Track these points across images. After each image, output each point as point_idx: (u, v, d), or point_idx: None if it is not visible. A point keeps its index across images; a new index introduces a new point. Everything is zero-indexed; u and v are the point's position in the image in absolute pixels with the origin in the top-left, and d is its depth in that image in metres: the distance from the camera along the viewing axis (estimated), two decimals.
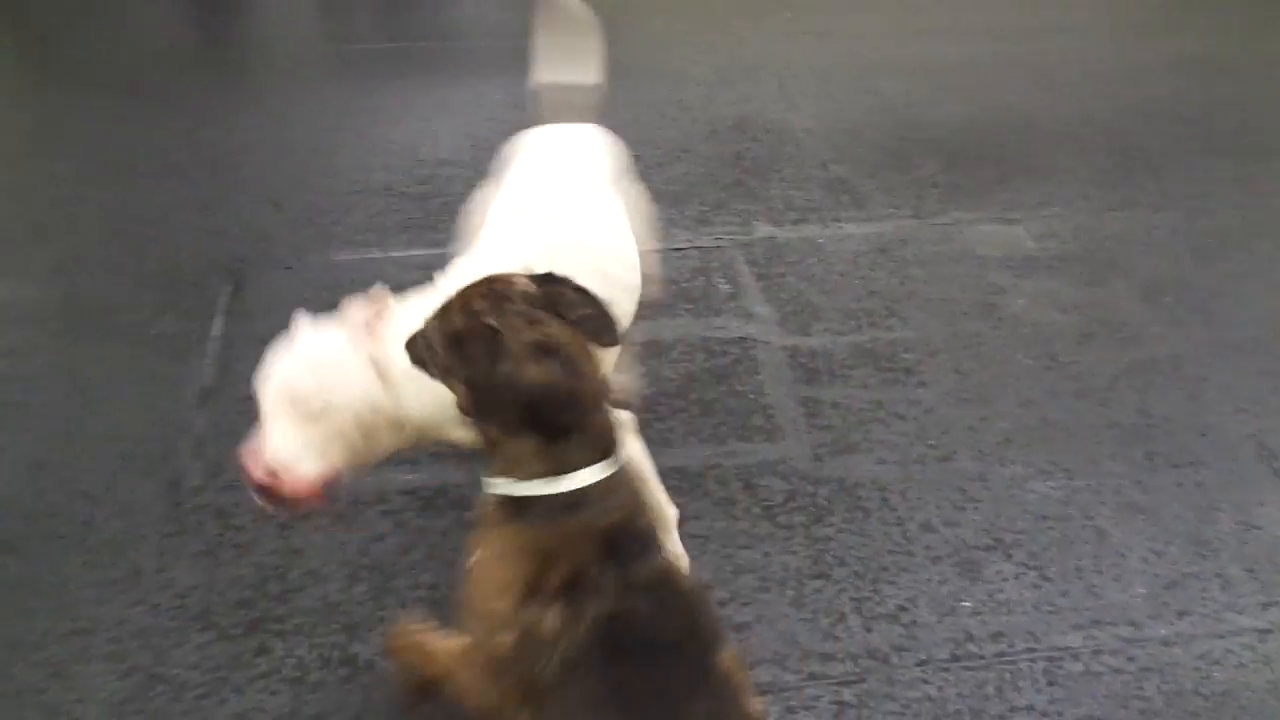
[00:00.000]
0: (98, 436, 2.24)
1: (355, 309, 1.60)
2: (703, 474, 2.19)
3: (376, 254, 2.84)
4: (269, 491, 1.55)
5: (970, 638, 1.86)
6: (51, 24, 4.32)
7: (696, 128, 3.67)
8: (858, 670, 1.79)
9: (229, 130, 3.41)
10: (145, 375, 2.42)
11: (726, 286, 2.81)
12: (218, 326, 2.56)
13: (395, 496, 2.10)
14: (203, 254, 2.84)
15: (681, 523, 1.94)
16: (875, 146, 3.56)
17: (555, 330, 1.23)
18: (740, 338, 2.61)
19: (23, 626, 1.83)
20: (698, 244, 2.99)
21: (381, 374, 1.55)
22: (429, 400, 1.50)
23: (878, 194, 3.27)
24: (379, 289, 1.63)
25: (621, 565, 1.21)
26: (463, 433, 1.48)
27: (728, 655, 1.27)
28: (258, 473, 1.54)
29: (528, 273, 1.31)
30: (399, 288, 2.47)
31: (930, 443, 2.30)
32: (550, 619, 1.19)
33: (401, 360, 1.39)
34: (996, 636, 1.86)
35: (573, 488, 1.22)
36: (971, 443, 2.30)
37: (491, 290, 1.26)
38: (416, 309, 1.50)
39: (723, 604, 1.89)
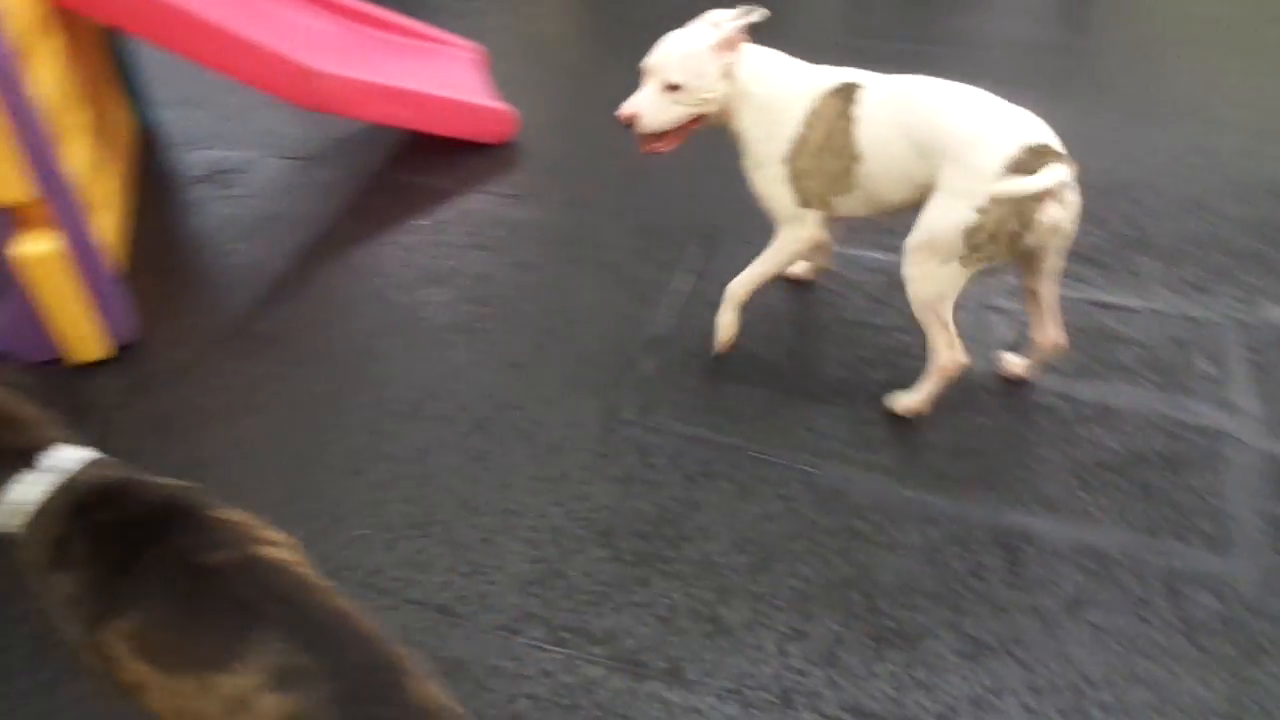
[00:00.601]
0: (564, 352, 2.58)
1: (725, 20, 2.15)
2: (1120, 562, 1.99)
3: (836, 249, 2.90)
4: (628, 126, 2.21)
5: None
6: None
7: (1219, 182, 3.25)
8: None
9: None
10: (613, 309, 2.72)
11: (1209, 367, 2.48)
12: (684, 282, 2.80)
13: (794, 484, 2.17)
14: (687, 216, 3.11)
15: (1079, 606, 1.78)
16: None
17: None
18: (1211, 428, 2.30)
19: (473, 492, 2.19)
20: (1186, 312, 2.66)
21: (727, 75, 2.17)
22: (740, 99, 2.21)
23: None
24: (746, 7, 2.16)
25: None
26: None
27: None
28: (623, 112, 2.21)
29: None
30: (852, 284, 2.50)
31: None
32: None
33: (749, 70, 2.18)
34: None
35: None
36: None
37: None
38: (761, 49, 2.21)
39: (1105, 708, 1.72)
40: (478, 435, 2.33)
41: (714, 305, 2.65)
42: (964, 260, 2.05)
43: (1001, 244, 2.01)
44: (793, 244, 2.33)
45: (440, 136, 3.43)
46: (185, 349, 2.62)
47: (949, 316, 2.17)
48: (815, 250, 2.62)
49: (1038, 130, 2.00)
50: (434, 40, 3.64)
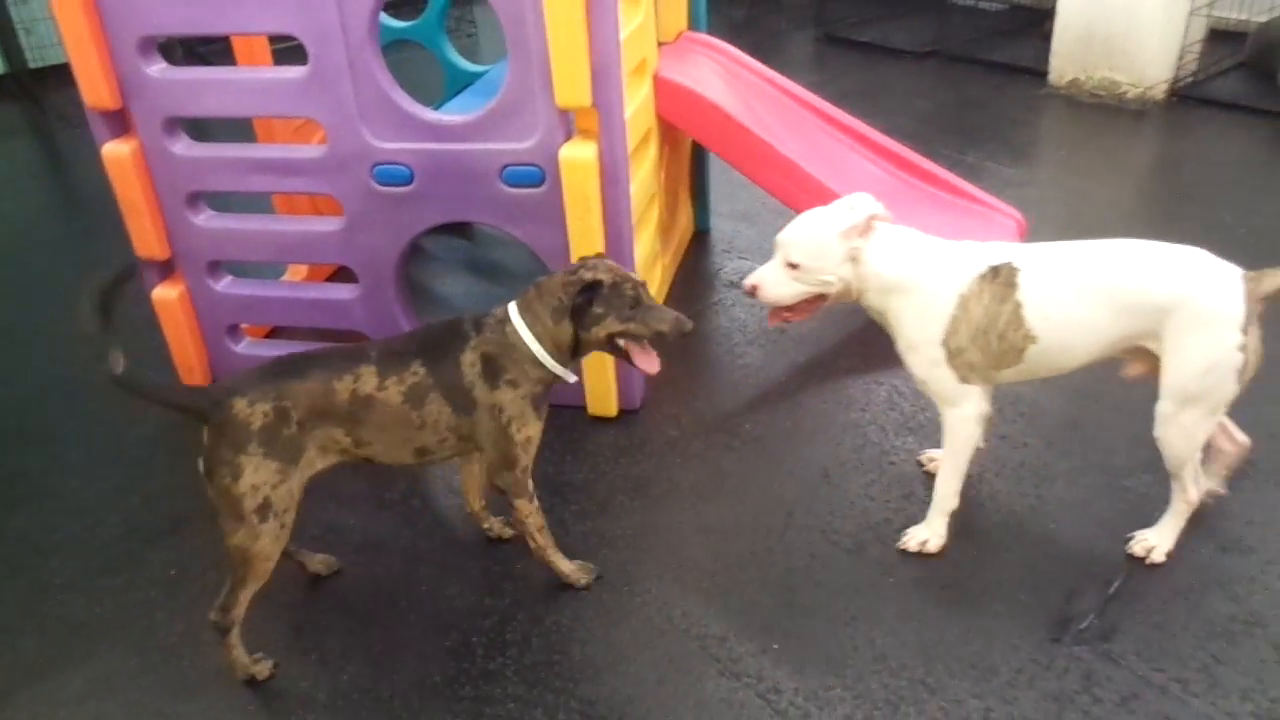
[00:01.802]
0: (1035, 540, 2.41)
1: (861, 206, 2.19)
2: None
3: None
4: (750, 296, 2.27)
5: None
6: None
7: None
8: None
9: None
10: (1096, 511, 2.49)
11: None
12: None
13: None
14: None
15: None
16: None
17: None
18: None
19: (894, 649, 2.13)
20: None
21: (853, 258, 2.17)
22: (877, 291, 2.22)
23: None
24: (872, 202, 2.20)
25: None
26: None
27: None
28: (746, 283, 2.28)
29: None
30: None
31: None
32: None
33: (876, 258, 2.18)
34: None
35: None
36: None
37: None
38: (902, 232, 2.22)
39: None
40: (913, 592, 2.26)
41: (1222, 544, 2.32)
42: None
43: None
44: (963, 424, 2.27)
45: None
46: (676, 428, 2.90)
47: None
48: (986, 423, 2.38)
49: (1219, 261, 2.08)
50: (976, 201, 3.68)
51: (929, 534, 2.38)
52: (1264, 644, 2.09)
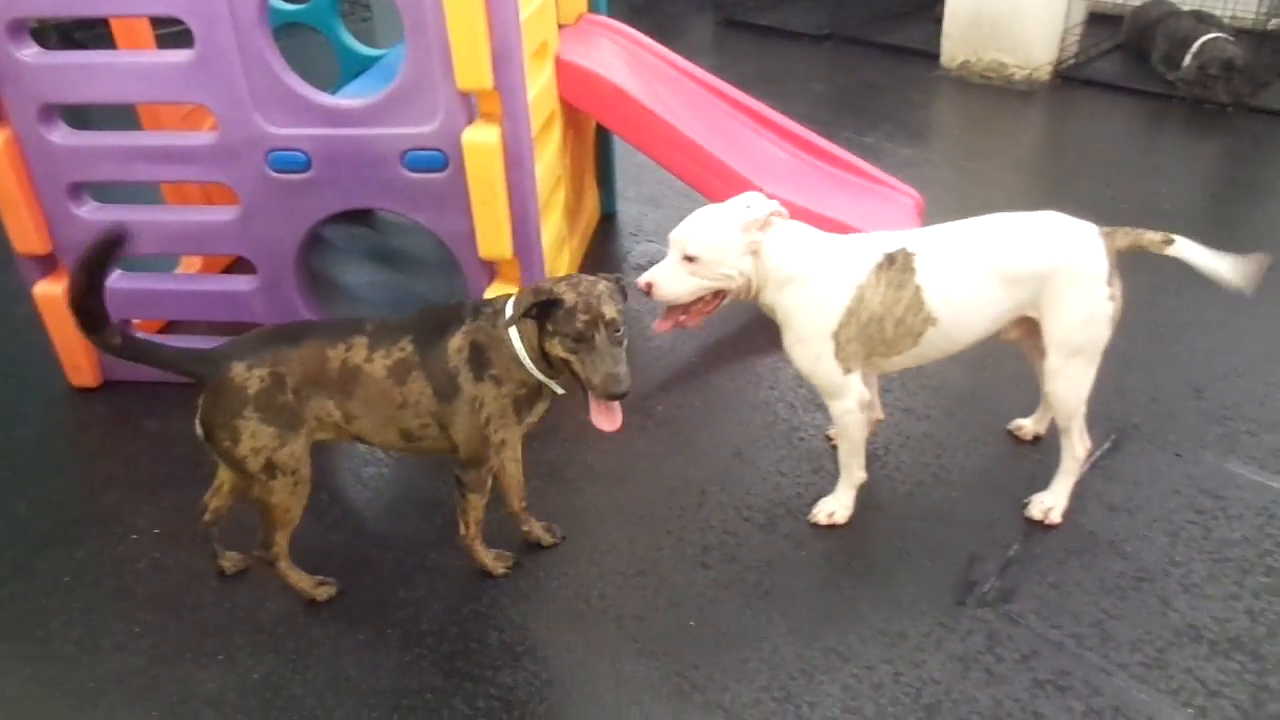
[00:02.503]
0: (934, 508, 2.49)
1: (759, 202, 2.19)
2: None
3: (1277, 484, 2.53)
4: (646, 294, 2.22)
5: None
6: None
7: None
8: None
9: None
10: (996, 480, 2.59)
11: None
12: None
13: None
14: (1102, 406, 2.88)
15: None
16: None
17: None
18: None
19: (808, 621, 2.18)
20: None
21: (753, 252, 2.17)
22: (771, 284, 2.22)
23: None
24: (767, 200, 2.20)
25: None
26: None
27: None
28: (641, 281, 2.21)
29: None
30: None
31: None
32: None
33: (775, 251, 2.18)
34: None
35: None
36: None
37: None
38: (798, 227, 2.24)
39: None
40: (824, 563, 2.32)
41: (1110, 505, 2.44)
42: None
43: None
44: (847, 414, 2.32)
45: None
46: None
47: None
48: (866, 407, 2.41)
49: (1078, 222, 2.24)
50: (876, 181, 3.77)
51: (836, 505, 2.44)
52: (1151, 598, 2.21)
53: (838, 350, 2.21)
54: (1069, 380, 2.28)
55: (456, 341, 2.02)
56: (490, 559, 2.31)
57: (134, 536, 2.49)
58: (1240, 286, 2.19)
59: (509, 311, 2.00)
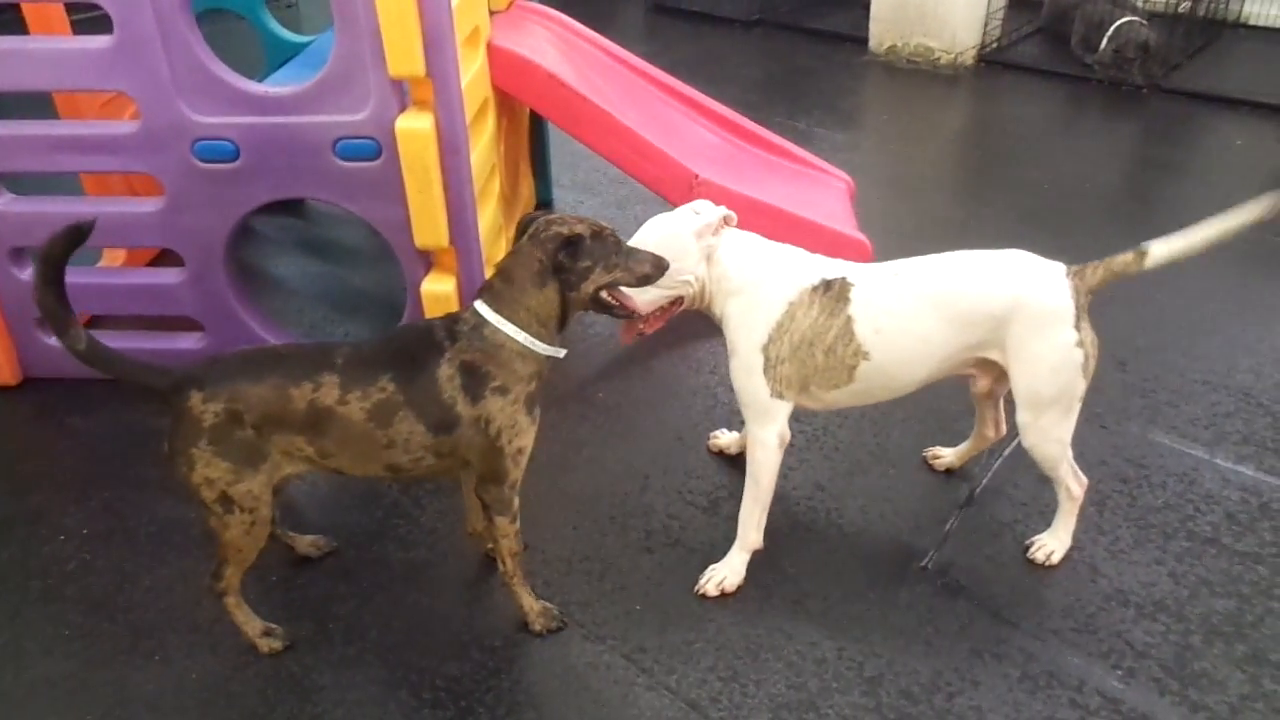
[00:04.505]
0: (875, 485, 2.54)
1: (708, 208, 2.18)
2: None
3: (1199, 453, 2.64)
4: None
5: None
6: None
7: None
8: None
9: None
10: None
11: None
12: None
13: (1095, 697, 1.98)
14: None
15: None
16: None
17: None
18: None
19: (753, 600, 2.21)
20: None
21: (708, 257, 2.15)
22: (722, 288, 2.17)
23: None
24: (715, 207, 2.18)
25: None
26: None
27: None
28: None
29: None
30: (1211, 499, 2.29)
31: None
32: None
33: (726, 257, 2.15)
34: None
35: None
36: None
37: None
38: (747, 236, 2.20)
39: None
40: (767, 543, 2.35)
41: (1041, 477, 2.51)
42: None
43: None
44: (762, 448, 2.19)
45: None
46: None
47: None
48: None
49: (1043, 261, 2.12)
50: (808, 165, 3.81)
51: (726, 571, 2.25)
52: (1081, 565, 2.29)
53: (767, 367, 2.12)
54: (1042, 434, 2.14)
55: (445, 371, 1.88)
56: (536, 610, 2.13)
57: (61, 537, 2.42)
58: (1263, 214, 2.02)
59: (489, 316, 1.90)
